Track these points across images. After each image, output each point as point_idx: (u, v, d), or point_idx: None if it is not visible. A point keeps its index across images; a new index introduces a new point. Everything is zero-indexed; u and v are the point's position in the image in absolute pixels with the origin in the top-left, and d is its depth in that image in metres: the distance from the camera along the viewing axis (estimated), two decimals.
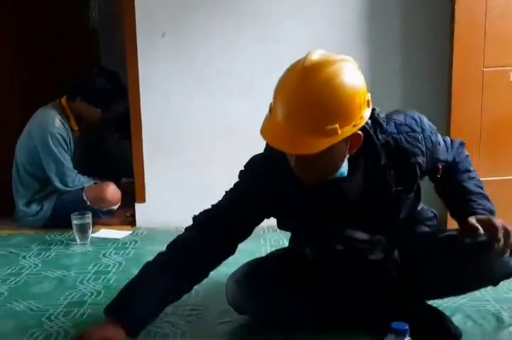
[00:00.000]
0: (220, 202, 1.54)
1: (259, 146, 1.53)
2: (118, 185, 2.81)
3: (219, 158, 2.74)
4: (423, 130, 1.46)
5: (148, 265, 1.51)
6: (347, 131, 1.28)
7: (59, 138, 2.69)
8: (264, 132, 1.32)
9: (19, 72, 3.06)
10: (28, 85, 3.07)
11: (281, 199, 1.47)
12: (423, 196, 1.59)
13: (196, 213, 1.55)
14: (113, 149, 3.12)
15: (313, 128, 1.26)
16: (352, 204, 1.47)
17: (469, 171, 1.59)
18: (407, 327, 1.06)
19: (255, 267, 1.65)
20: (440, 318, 1.56)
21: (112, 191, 2.75)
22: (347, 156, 1.37)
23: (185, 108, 2.76)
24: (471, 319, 1.65)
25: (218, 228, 1.48)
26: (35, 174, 2.76)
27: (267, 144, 1.44)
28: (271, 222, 2.38)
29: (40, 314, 1.76)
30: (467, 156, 1.62)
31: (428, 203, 1.69)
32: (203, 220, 1.52)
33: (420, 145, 1.45)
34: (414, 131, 1.45)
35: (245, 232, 1.54)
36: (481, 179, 1.60)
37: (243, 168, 1.54)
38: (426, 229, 1.64)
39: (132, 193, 2.83)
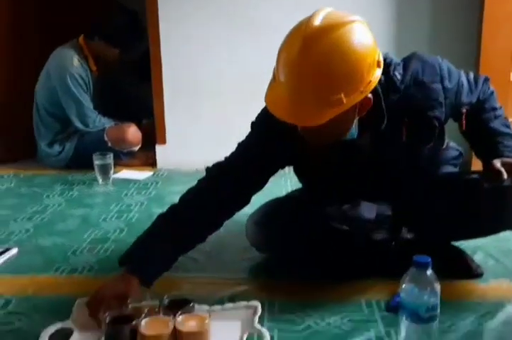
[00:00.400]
0: (232, 154, 1.50)
1: None
2: (139, 127, 2.81)
3: (239, 100, 2.71)
4: (442, 79, 1.40)
5: (161, 217, 1.47)
6: (354, 99, 1.22)
7: (78, 78, 2.68)
8: (268, 101, 1.27)
9: (40, 11, 3.01)
10: (48, 24, 3.02)
11: (292, 155, 1.45)
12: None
13: (210, 164, 1.52)
14: (133, 91, 3.09)
15: (316, 99, 1.20)
16: (364, 162, 1.44)
17: (495, 109, 1.52)
18: (429, 260, 1.06)
19: (274, 207, 1.64)
20: (461, 257, 1.57)
21: (133, 132, 2.75)
22: (356, 118, 1.32)
23: (206, 50, 2.71)
24: (493, 258, 1.65)
25: (231, 180, 1.45)
26: (55, 114, 2.76)
27: None
28: None
29: (65, 249, 1.79)
30: (492, 92, 1.54)
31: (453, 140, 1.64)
32: (216, 172, 1.49)
33: (439, 97, 1.39)
34: (433, 82, 1.39)
35: (259, 184, 1.51)
36: (510, 120, 1.54)
37: (255, 120, 1.50)
38: (450, 168, 1.61)
39: (153, 135, 2.82)
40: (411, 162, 1.45)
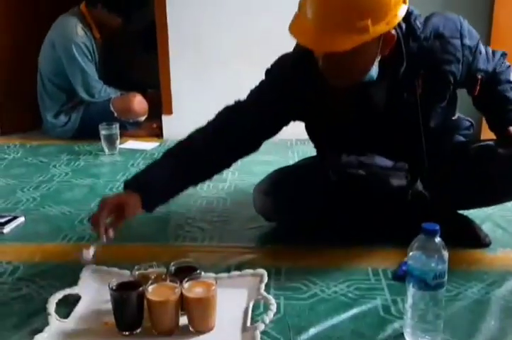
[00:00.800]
0: (245, 99, 1.50)
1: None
2: (145, 97, 2.78)
3: (248, 68, 2.65)
4: (461, 36, 1.39)
5: (168, 151, 1.50)
6: (379, 29, 1.22)
7: (83, 47, 2.64)
8: (292, 29, 1.27)
9: None
10: None
11: (307, 101, 1.43)
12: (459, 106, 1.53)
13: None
14: (138, 60, 3.06)
15: (343, 24, 1.20)
16: (378, 112, 1.43)
17: (510, 81, 1.50)
18: (438, 227, 1.05)
19: (282, 175, 1.63)
20: (470, 225, 1.56)
21: (139, 102, 2.73)
22: (378, 58, 1.31)
23: (214, 17, 2.67)
24: (501, 228, 1.65)
25: (243, 122, 1.46)
26: (60, 85, 2.73)
27: (297, 44, 1.39)
28: (300, 134, 2.35)
29: (72, 218, 1.80)
30: (509, 66, 1.53)
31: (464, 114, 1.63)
32: (228, 114, 1.49)
33: (456, 52, 1.38)
34: (452, 37, 1.38)
35: (270, 131, 1.51)
36: None
37: (270, 67, 1.50)
38: (461, 138, 1.59)
39: (159, 105, 2.80)
40: (424, 121, 1.43)
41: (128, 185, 1.41)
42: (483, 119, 1.60)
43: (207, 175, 1.50)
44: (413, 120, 1.41)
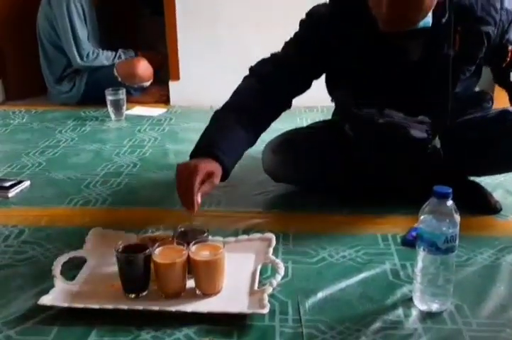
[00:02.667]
0: (280, 51, 1.48)
1: (299, 17, 1.48)
2: (150, 61, 2.73)
3: (258, 31, 2.60)
4: (502, 0, 1.37)
5: (220, 113, 1.41)
6: None
7: (78, 6, 2.57)
8: None
9: None
10: None
11: (344, 48, 1.42)
12: None
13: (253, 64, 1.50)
14: (145, 24, 3.01)
15: None
16: (411, 62, 1.41)
17: None
18: (450, 190, 1.02)
19: (293, 135, 1.62)
20: (481, 191, 1.54)
21: (143, 67, 2.68)
22: (435, 3, 1.29)
23: None
24: None
25: (279, 77, 1.44)
26: (60, 47, 2.67)
27: None
28: (308, 102, 2.32)
29: (78, 182, 1.78)
30: None
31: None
32: (264, 69, 1.47)
33: (495, 15, 1.37)
34: None
35: (305, 84, 1.50)
36: None
37: (304, 17, 1.48)
38: (479, 109, 1.55)
39: (166, 70, 2.75)
40: (453, 80, 1.41)
41: (208, 153, 1.29)
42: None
43: (257, 136, 1.43)
44: (444, 75, 1.39)
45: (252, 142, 1.42)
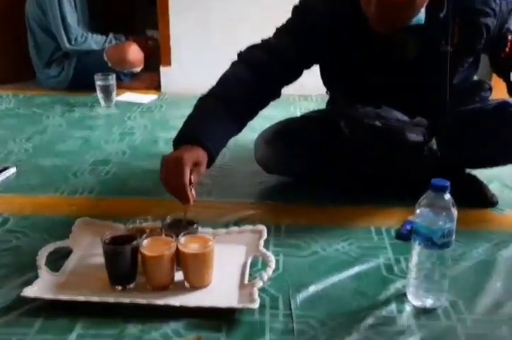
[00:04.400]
0: (271, 38, 1.42)
1: (291, 4, 1.42)
2: (141, 46, 2.68)
3: (254, 16, 2.55)
4: None
5: (205, 100, 1.36)
6: None
7: None
8: None
9: None
10: None
11: (335, 39, 1.38)
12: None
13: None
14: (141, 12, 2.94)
15: None
16: (407, 59, 1.38)
17: None
18: (448, 184, 0.99)
19: (286, 125, 1.58)
20: (477, 185, 1.51)
21: (134, 52, 2.62)
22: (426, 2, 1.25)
23: None
24: (508, 187, 1.60)
25: (270, 66, 1.38)
26: (49, 30, 2.60)
27: None
28: (302, 90, 2.28)
29: (65, 170, 1.74)
30: None
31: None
32: (254, 56, 1.40)
33: (494, 6, 1.34)
34: None
35: (296, 73, 1.44)
36: None
37: (298, 4, 1.42)
38: (478, 99, 1.53)
39: (157, 56, 2.70)
40: (451, 75, 1.38)
41: (192, 140, 1.24)
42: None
43: (242, 126, 1.38)
44: (441, 72, 1.36)
45: (238, 130, 1.37)
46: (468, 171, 1.56)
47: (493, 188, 1.55)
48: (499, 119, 1.41)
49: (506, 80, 1.47)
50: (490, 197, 1.48)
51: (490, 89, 1.55)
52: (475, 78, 1.56)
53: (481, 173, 1.57)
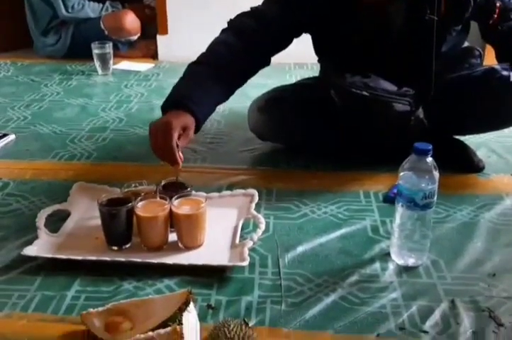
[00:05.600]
0: (261, 6, 1.44)
1: None
2: (138, 14, 2.67)
3: None
4: None
5: (193, 66, 1.38)
6: None
7: None
8: None
9: None
10: None
11: (324, 8, 1.38)
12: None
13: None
14: None
15: None
16: (394, 29, 1.39)
17: None
18: (430, 147, 1.03)
19: (279, 92, 1.60)
20: (464, 150, 1.54)
21: (130, 20, 2.62)
22: None
23: None
24: (496, 153, 1.63)
25: (261, 35, 1.39)
26: None
27: None
28: (298, 58, 2.29)
29: (63, 137, 1.78)
30: None
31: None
32: (245, 24, 1.42)
33: None
34: None
35: (285, 42, 1.45)
36: None
37: None
38: (467, 66, 1.54)
39: (154, 24, 2.70)
40: (437, 44, 1.39)
41: (179, 105, 1.26)
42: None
43: (230, 93, 1.40)
44: (427, 41, 1.37)
45: (226, 97, 1.39)
46: (455, 137, 1.59)
47: (481, 154, 1.58)
48: (485, 86, 1.42)
49: (495, 47, 1.48)
50: (476, 163, 1.51)
51: (480, 56, 1.55)
52: (466, 44, 1.57)
53: (469, 140, 1.61)
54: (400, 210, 1.08)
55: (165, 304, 0.93)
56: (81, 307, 1.00)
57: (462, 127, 1.53)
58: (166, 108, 1.29)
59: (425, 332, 0.94)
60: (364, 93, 1.40)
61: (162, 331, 0.84)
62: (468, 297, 1.03)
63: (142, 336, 0.84)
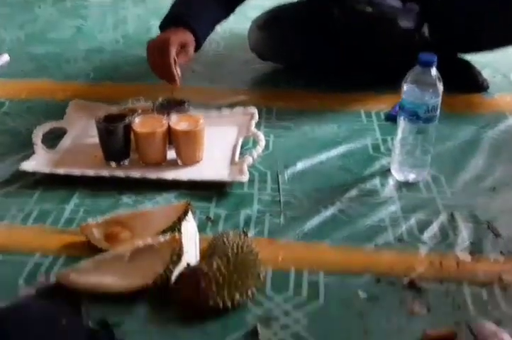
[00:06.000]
0: None
1: None
2: None
3: None
4: None
5: None
6: None
7: None
8: None
9: None
10: None
11: None
12: None
13: None
14: None
15: None
16: None
17: None
18: (435, 58, 0.99)
19: (279, 10, 1.55)
20: (469, 69, 1.50)
21: None
22: None
23: None
24: (501, 73, 1.59)
25: None
26: None
27: None
28: None
29: (59, 58, 1.73)
30: None
31: None
32: None
33: None
34: None
35: None
36: None
37: None
38: None
39: None
40: None
41: (178, 22, 1.22)
42: None
43: (230, 10, 1.36)
44: None
45: (226, 15, 1.34)
46: (460, 56, 1.55)
47: (486, 74, 1.53)
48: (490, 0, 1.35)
49: None
50: (481, 82, 1.47)
51: None
52: None
53: (474, 61, 1.56)
54: (402, 124, 1.06)
55: (164, 214, 0.93)
56: (80, 219, 1.00)
57: (465, 45, 1.47)
58: (164, 26, 1.25)
59: (423, 243, 0.95)
60: (368, 8, 1.35)
61: (161, 238, 0.85)
62: (467, 210, 1.03)
63: (142, 243, 0.84)
